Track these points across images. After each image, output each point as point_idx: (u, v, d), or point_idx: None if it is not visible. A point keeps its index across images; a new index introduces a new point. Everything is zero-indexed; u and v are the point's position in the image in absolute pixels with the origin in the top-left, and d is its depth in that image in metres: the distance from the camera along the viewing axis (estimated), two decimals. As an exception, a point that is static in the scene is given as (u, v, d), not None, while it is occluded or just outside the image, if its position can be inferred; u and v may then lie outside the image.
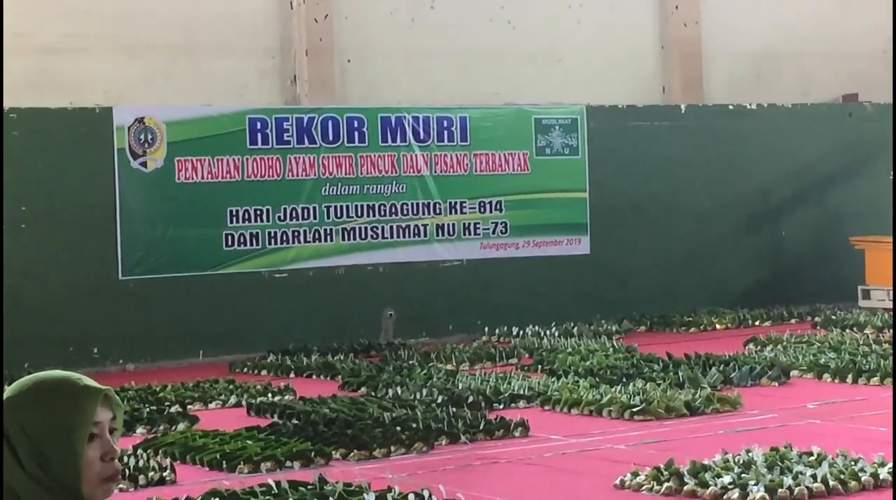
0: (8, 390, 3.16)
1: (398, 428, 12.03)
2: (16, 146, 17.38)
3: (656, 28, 22.89)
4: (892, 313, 20.46)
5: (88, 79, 18.69)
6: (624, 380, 14.50)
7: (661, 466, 10.02)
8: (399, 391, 14.32)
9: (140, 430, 12.69)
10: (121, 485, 9.46)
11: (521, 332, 19.27)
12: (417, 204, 19.86)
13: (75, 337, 17.63)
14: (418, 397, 13.86)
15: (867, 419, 12.61)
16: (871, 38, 24.58)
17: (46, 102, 18.00)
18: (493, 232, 20.36)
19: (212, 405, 14.36)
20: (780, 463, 10.04)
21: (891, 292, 21.35)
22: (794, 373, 15.23)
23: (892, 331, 18.72)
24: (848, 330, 18.79)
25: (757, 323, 20.37)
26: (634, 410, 12.94)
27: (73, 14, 18.77)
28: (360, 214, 19.51)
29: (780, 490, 9.41)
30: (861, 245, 21.83)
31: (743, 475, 9.72)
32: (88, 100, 18.29)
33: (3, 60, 17.30)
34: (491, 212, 20.33)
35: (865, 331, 18.66)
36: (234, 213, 18.72)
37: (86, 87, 18.58)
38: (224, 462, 10.96)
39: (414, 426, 12.10)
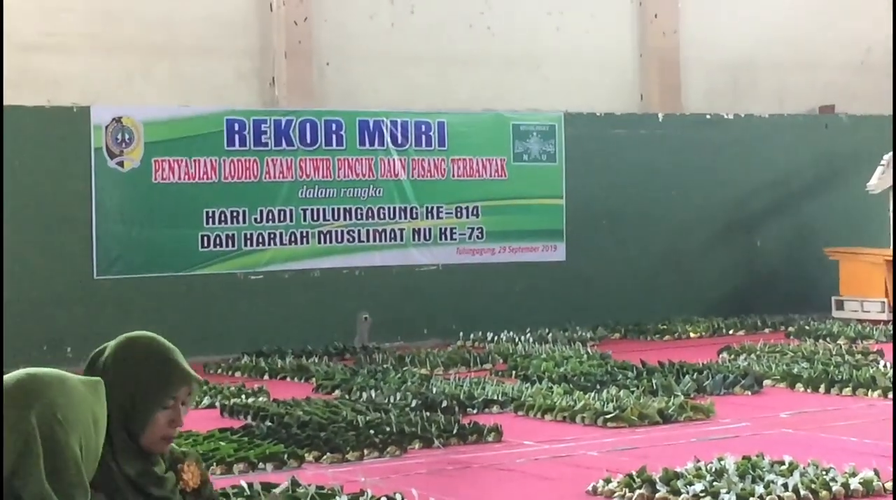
0: (121, 345, 3.97)
1: (372, 432, 12.02)
2: (-8, 144, 17.31)
3: (635, 36, 22.94)
4: (865, 323, 20.54)
5: (66, 77, 18.65)
6: (597, 387, 14.52)
7: (634, 473, 10.03)
8: (373, 395, 14.31)
9: (113, 430, 12.64)
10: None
11: (496, 337, 19.28)
12: (394, 208, 19.87)
13: (49, 337, 17.58)
14: (392, 400, 13.84)
15: (839, 428, 12.63)
16: (848, 50, 24.68)
17: (24, 100, 17.94)
18: (470, 237, 20.38)
19: (185, 406, 14.35)
20: (751, 472, 10.06)
21: (864, 303, 21.44)
22: (767, 382, 15.26)
23: (865, 341, 18.79)
24: (821, 340, 18.85)
25: (731, 332, 20.42)
26: (608, 417, 12.95)
27: (53, 12, 18.73)
28: (336, 217, 19.50)
29: (751, 499, 9.43)
30: (835, 256, 21.91)
31: (715, 484, 9.74)
32: (66, 99, 18.26)
33: (3, 59, 17.26)
34: (467, 217, 20.35)
35: (839, 341, 18.72)
36: (210, 214, 18.70)
37: (64, 85, 18.54)
38: (197, 463, 10.92)
39: (387, 429, 12.09)
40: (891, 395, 14.25)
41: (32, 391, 3.15)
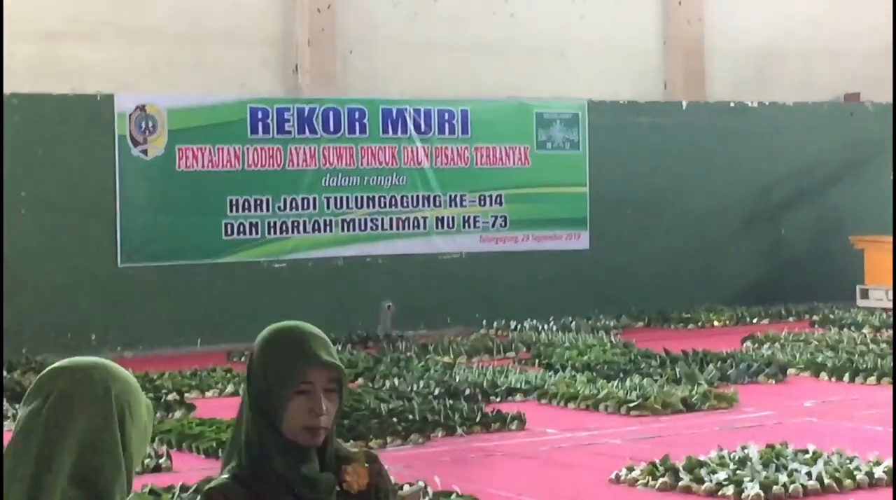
0: (263, 332, 3.87)
1: (395, 419, 12.05)
2: (17, 132, 17.39)
3: (659, 24, 22.88)
4: (890, 312, 20.48)
5: (90, 65, 18.68)
6: (621, 375, 14.52)
7: (657, 461, 10.04)
8: (396, 383, 14.34)
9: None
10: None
11: (519, 326, 19.29)
12: (417, 196, 19.87)
13: (74, 324, 17.65)
14: (415, 388, 13.88)
15: (863, 417, 12.62)
16: (874, 37, 24.56)
17: (48, 88, 18.00)
18: (493, 225, 20.38)
19: (209, 394, 14.40)
20: (775, 460, 10.06)
21: (889, 292, 21.37)
22: (791, 371, 15.24)
23: (890, 330, 18.74)
24: (846, 329, 18.80)
25: (755, 321, 20.38)
26: (631, 405, 12.96)
27: (77, 0, 18.75)
28: (359, 205, 19.52)
29: (774, 488, 9.42)
30: (860, 245, 21.84)
31: (738, 472, 9.74)
32: (90, 87, 18.29)
33: (2, 46, 17.31)
34: (491, 205, 20.35)
35: (863, 330, 18.68)
36: (233, 202, 18.73)
37: (88, 73, 18.56)
38: (220, 451, 10.97)
39: (410, 417, 12.12)
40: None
41: (113, 374, 3.20)
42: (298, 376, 3.65)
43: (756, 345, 17.24)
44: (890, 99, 23.81)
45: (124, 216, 18.09)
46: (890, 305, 21.09)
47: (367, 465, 3.85)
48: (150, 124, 18.27)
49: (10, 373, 15.44)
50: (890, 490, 9.50)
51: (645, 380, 14.13)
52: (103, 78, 18.56)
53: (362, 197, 19.52)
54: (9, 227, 17.15)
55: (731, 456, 10.21)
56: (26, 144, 17.53)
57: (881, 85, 24.22)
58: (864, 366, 14.96)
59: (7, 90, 17.52)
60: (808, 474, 9.67)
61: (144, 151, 18.25)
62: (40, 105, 17.74)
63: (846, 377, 14.75)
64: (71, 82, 18.30)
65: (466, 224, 20.22)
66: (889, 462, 9.97)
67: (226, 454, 3.73)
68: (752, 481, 9.50)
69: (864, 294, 21.63)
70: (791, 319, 20.49)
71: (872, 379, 14.56)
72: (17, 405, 13.29)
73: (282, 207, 19.02)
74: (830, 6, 24.02)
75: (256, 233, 18.88)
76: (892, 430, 11.69)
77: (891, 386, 14.29)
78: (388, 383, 14.35)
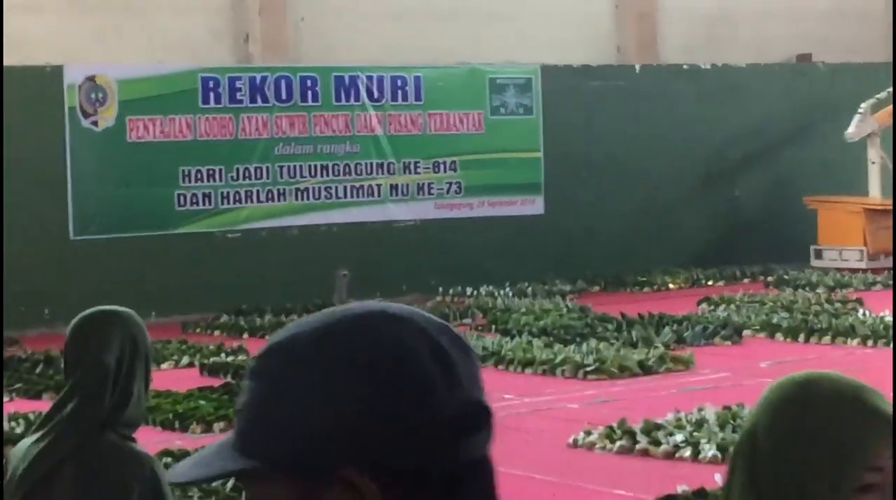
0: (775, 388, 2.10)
1: (352, 388, 12.05)
2: (-35, 105, 17.23)
3: (611, -13, 22.87)
4: (844, 271, 20.61)
5: (38, 36, 18.51)
6: (577, 340, 14.55)
7: (614, 425, 10.08)
8: (353, 351, 14.34)
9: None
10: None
11: (476, 292, 19.31)
12: (371, 164, 19.84)
13: (27, 297, 17.51)
14: (372, 357, 13.87)
15: (819, 377, 12.70)
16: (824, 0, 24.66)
17: (-4, 60, 17.84)
18: (448, 192, 20.37)
19: (164, 366, 14.32)
20: (732, 422, 10.11)
21: (843, 252, 21.50)
22: (746, 332, 15.31)
23: (845, 290, 18.86)
24: (800, 290, 18.90)
25: (710, 283, 20.47)
26: (587, 369, 12.99)
27: (23, -29, 18.59)
28: (313, 174, 19.47)
29: (731, 449, 9.47)
30: (814, 205, 21.95)
31: (695, 434, 9.79)
32: (39, 58, 18.14)
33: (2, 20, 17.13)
34: (445, 172, 20.34)
35: (817, 291, 18.78)
36: (186, 173, 18.65)
37: (36, 44, 18.40)
38: (177, 422, 10.96)
39: (368, 385, 12.12)
40: (870, 343, 14.34)
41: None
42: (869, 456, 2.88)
43: (712, 307, 17.31)
44: (841, 59, 23.89)
45: (76, 189, 17.99)
46: (843, 264, 21.23)
47: None
48: (100, 95, 18.15)
49: (-36, 348, 15.35)
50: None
51: (601, 344, 14.18)
52: (52, 49, 18.40)
53: (316, 166, 19.47)
54: (-41, 201, 17.03)
55: (688, 418, 10.25)
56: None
57: (833, 46, 24.30)
58: (819, 326, 15.05)
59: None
60: (765, 434, 9.72)
61: (95, 123, 18.13)
62: (-12, 77, 17.58)
63: (801, 338, 14.85)
64: (19, 54, 18.13)
65: (421, 191, 20.20)
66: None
67: None
68: (708, 442, 9.55)
69: (818, 254, 21.75)
70: (746, 280, 20.60)
71: (827, 339, 14.65)
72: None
73: (235, 177, 18.95)
74: (781, -33, 24.06)
75: (209, 203, 18.81)
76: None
77: (848, 345, 14.40)
78: (344, 352, 14.35)
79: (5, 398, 12.51)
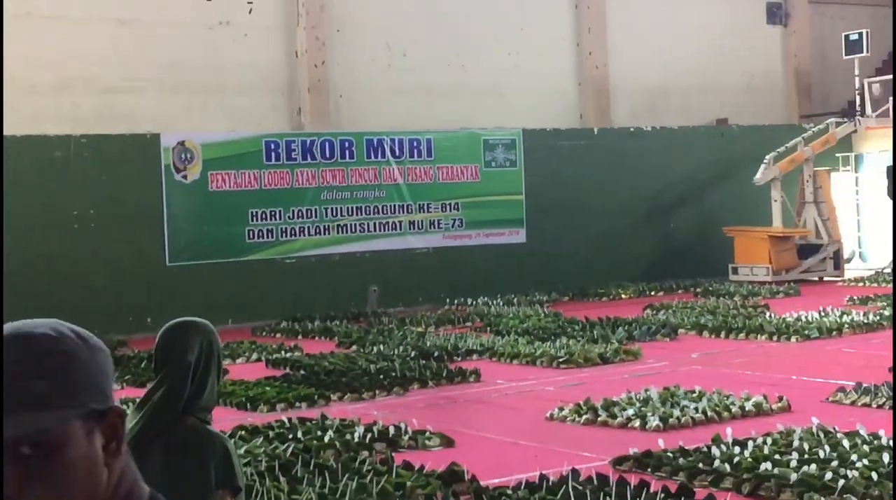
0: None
1: (381, 376, 12.05)
2: (87, 164, 17.29)
3: (574, 70, 22.92)
4: (755, 284, 20.59)
5: (142, 112, 18.59)
6: (552, 338, 14.56)
7: (581, 402, 10.07)
8: (381, 348, 14.33)
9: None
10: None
11: (475, 302, 19.30)
12: (394, 205, 19.85)
13: (133, 309, 17.56)
14: (396, 352, 13.87)
15: (737, 365, 12.69)
16: (738, 76, 24.71)
17: (110, 129, 17.90)
18: (453, 226, 20.38)
19: (238, 361, 14.34)
20: (670, 399, 10.11)
21: (754, 268, 21.49)
22: (681, 331, 15.32)
23: (754, 297, 18.84)
24: (721, 298, 18.89)
25: (653, 293, 20.46)
26: (560, 360, 12.99)
27: (130, 61, 18.66)
28: (350, 213, 19.48)
29: (670, 420, 9.47)
30: (731, 234, 21.96)
31: (642, 409, 9.78)
32: (142, 128, 18.20)
33: (3, 94, 17.18)
34: (451, 211, 20.34)
35: (734, 298, 18.78)
36: (254, 214, 18.67)
37: (140, 118, 18.48)
38: (248, 404, 10.96)
39: (393, 374, 12.12)
40: (775, 338, 14.32)
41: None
42: None
43: (654, 312, 17.31)
44: (752, 122, 23.92)
45: (170, 227, 18.00)
46: (754, 278, 21.22)
47: None
48: (189, 156, 18.18)
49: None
50: (758, 420, 9.54)
51: (570, 341, 14.18)
52: (152, 121, 18.48)
53: (352, 207, 19.48)
54: (82, 238, 17.06)
55: (637, 397, 10.25)
56: (94, 174, 17.43)
57: (744, 112, 24.35)
58: (736, 325, 15.05)
59: (77, 132, 17.44)
60: (696, 408, 9.72)
61: (184, 177, 18.16)
62: (104, 143, 17.63)
63: (723, 334, 14.84)
64: (127, 125, 18.21)
65: (432, 226, 20.20)
66: (758, 397, 10.02)
67: None
68: (653, 415, 9.54)
69: (735, 271, 21.76)
70: (680, 291, 20.59)
71: (742, 335, 14.65)
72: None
73: (291, 217, 18.96)
74: (704, 54, 24.12)
75: (272, 237, 18.82)
76: (765, 374, 11.76)
77: (758, 340, 14.37)
78: (375, 349, 14.33)
79: (118, 387, 12.55)
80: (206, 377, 3.32)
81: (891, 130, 23.24)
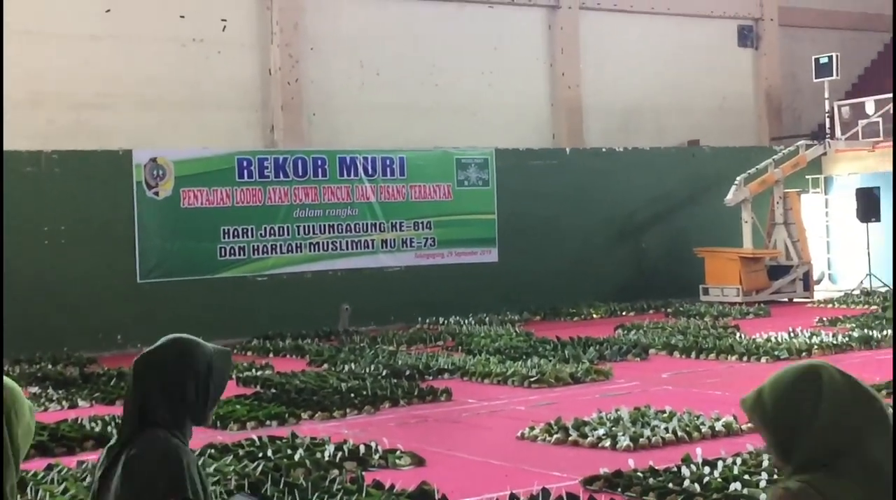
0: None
1: (352, 395, 12.01)
2: (58, 180, 17.21)
3: (547, 90, 23.02)
4: (725, 304, 20.66)
5: (114, 128, 18.54)
6: (523, 357, 14.53)
7: (552, 422, 10.07)
8: (353, 367, 14.28)
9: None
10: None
11: (446, 321, 19.29)
12: (367, 224, 19.84)
13: (104, 326, 17.47)
14: (367, 371, 13.83)
15: (707, 385, 12.71)
16: (710, 98, 24.88)
17: (82, 146, 17.84)
18: (425, 245, 20.38)
19: (209, 378, 14.23)
20: (641, 419, 10.11)
21: (724, 289, 21.58)
22: (651, 351, 15.31)
23: (725, 318, 18.90)
24: (692, 318, 18.93)
25: (624, 313, 20.50)
26: (531, 380, 12.98)
27: (102, 78, 18.63)
28: (323, 231, 19.46)
29: (640, 439, 9.48)
30: (702, 254, 22.04)
31: (613, 428, 9.78)
32: (114, 144, 18.14)
33: (2, 110, 17.12)
34: (423, 230, 20.35)
35: (705, 319, 18.83)
36: (226, 231, 18.61)
37: (112, 134, 18.42)
38: (218, 422, 10.89)
39: (364, 393, 12.09)
40: (745, 359, 14.37)
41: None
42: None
43: (625, 332, 17.31)
44: (723, 143, 24.07)
45: (142, 243, 17.93)
46: (724, 299, 21.31)
47: None
48: (161, 172, 18.13)
49: (55, 366, 15.25)
50: (728, 440, 9.56)
51: (542, 360, 14.16)
52: (124, 137, 18.43)
53: (325, 225, 19.46)
54: (52, 254, 16.96)
55: (608, 416, 10.25)
56: (65, 190, 17.35)
57: (715, 133, 24.51)
58: (706, 346, 15.05)
59: (48, 148, 17.36)
60: (666, 428, 9.73)
61: (156, 193, 18.10)
62: (76, 160, 17.56)
63: (693, 355, 14.84)
64: (99, 141, 18.15)
65: (405, 244, 20.20)
66: (728, 418, 10.05)
67: None
68: (623, 435, 9.54)
69: (705, 291, 21.84)
70: (651, 311, 20.63)
71: (713, 356, 14.66)
72: (59, 391, 13.14)
73: (263, 234, 18.92)
74: (676, 75, 24.28)
75: (244, 254, 18.77)
76: (735, 395, 11.78)
77: (728, 361, 14.41)
78: (346, 367, 14.29)
79: (87, 404, 12.45)
80: (174, 391, 3.29)
81: (859, 152, 23.47)
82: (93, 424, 10.62)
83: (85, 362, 15.56)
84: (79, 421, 10.75)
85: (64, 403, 12.44)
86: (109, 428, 10.38)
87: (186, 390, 3.27)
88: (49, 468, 8.75)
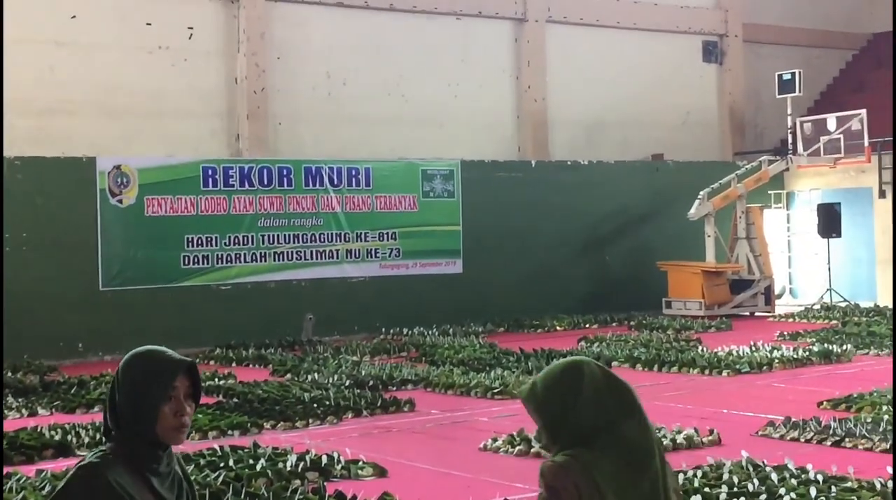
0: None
1: (315, 405, 11.97)
2: (20, 187, 17.08)
3: (513, 102, 23.09)
4: (688, 318, 20.76)
5: (78, 135, 18.42)
6: (487, 368, 14.54)
7: (514, 433, 10.07)
8: (316, 377, 14.25)
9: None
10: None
11: (410, 332, 19.28)
12: (332, 234, 19.81)
13: (65, 335, 17.33)
14: (331, 381, 13.80)
15: (668, 398, 12.75)
16: (674, 112, 25.03)
17: (45, 152, 17.71)
18: (390, 255, 20.37)
19: (171, 387, 14.14)
20: (603, 431, 10.10)
21: (687, 303, 21.68)
22: (614, 363, 15.32)
23: (687, 331, 18.99)
24: (655, 331, 19.00)
25: (587, 326, 20.56)
26: (494, 391, 12.99)
27: (66, 84, 18.51)
28: (287, 241, 19.41)
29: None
30: (665, 268, 22.16)
31: (575, 441, 9.77)
32: (77, 151, 18.02)
33: (3, 117, 17.00)
34: (388, 240, 20.34)
35: (668, 332, 18.91)
36: (189, 239, 18.53)
37: (75, 141, 18.30)
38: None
39: (327, 403, 12.06)
40: (707, 372, 14.44)
41: None
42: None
43: (588, 344, 17.33)
44: (687, 158, 24.21)
45: (104, 251, 17.81)
46: (686, 312, 21.41)
47: None
48: (125, 180, 18.03)
49: (15, 374, 15.12)
50: (689, 453, 9.60)
51: (505, 372, 14.17)
52: (88, 144, 18.31)
53: (289, 235, 19.41)
54: (14, 261, 16.81)
55: (570, 429, 10.23)
56: (27, 196, 17.22)
57: (679, 148, 24.66)
58: (669, 359, 15.11)
59: (11, 154, 17.22)
60: (628, 441, 9.72)
61: (120, 201, 18.00)
62: (38, 166, 17.43)
63: (655, 367, 14.89)
64: (62, 148, 18.03)
65: (369, 255, 20.18)
66: (689, 430, 10.09)
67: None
68: (585, 447, 9.53)
69: (668, 305, 21.94)
70: (614, 324, 20.69)
71: (675, 369, 14.72)
72: (19, 399, 13.02)
73: (227, 243, 18.85)
74: (640, 90, 24.41)
75: (208, 263, 18.69)
76: (697, 408, 11.83)
77: (690, 374, 14.47)
78: (309, 377, 14.26)
79: (47, 413, 12.35)
80: (107, 403, 3.24)
81: (821, 168, 23.68)
82: (52, 432, 10.52)
83: (45, 371, 15.44)
84: (38, 429, 10.65)
85: (23, 411, 12.33)
86: (69, 437, 10.29)
87: (115, 402, 3.21)
88: (7, 476, 8.66)
